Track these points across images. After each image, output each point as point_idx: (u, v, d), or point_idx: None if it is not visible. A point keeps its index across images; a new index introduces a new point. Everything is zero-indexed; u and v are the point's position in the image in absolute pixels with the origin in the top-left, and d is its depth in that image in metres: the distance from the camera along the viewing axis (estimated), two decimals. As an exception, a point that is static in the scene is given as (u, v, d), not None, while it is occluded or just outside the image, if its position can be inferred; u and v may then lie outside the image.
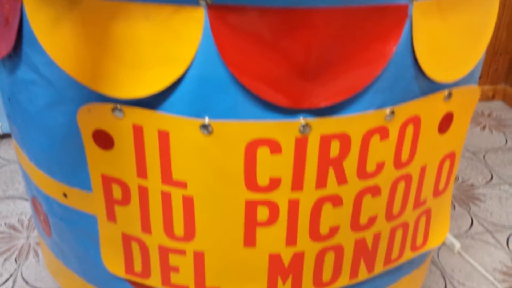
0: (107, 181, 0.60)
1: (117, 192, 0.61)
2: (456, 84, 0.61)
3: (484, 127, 1.76)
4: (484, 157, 1.58)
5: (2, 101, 0.73)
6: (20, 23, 0.56)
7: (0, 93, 0.73)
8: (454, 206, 1.34)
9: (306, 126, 0.53)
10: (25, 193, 1.36)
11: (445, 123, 0.64)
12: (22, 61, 0.59)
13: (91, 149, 0.59)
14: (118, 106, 0.54)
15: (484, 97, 1.96)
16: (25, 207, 1.30)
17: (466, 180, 1.46)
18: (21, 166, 0.78)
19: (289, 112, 0.53)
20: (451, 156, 0.69)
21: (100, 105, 0.55)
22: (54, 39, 0.54)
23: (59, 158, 0.63)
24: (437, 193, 0.71)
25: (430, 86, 0.58)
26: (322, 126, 0.54)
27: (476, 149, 1.63)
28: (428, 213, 0.72)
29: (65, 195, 0.66)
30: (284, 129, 0.53)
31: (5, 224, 1.24)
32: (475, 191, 1.41)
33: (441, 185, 0.71)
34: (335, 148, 0.55)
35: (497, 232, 1.26)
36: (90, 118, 0.56)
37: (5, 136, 1.65)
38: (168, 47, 0.49)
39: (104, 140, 0.57)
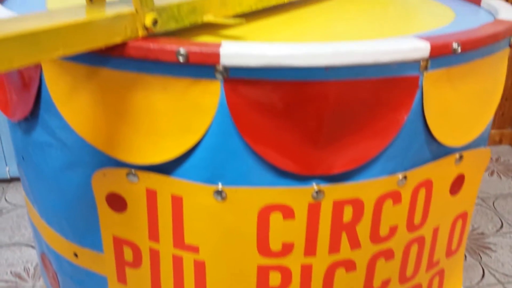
0: (119, 243, 0.60)
1: (128, 254, 0.60)
2: (467, 147, 0.62)
3: (492, 173, 1.75)
4: (493, 203, 1.57)
5: (15, 155, 0.74)
6: (39, 88, 0.57)
7: (14, 149, 0.74)
8: (465, 256, 1.32)
9: (319, 192, 0.53)
10: (31, 240, 1.35)
11: (457, 184, 0.64)
12: (38, 124, 0.60)
13: (104, 211, 0.59)
14: (133, 171, 0.54)
15: (491, 142, 1.96)
16: (31, 255, 1.29)
17: (477, 228, 1.44)
18: (30, 220, 0.78)
19: (302, 178, 0.53)
20: (463, 216, 0.69)
21: (114, 170, 0.55)
22: (72, 105, 0.55)
23: (71, 218, 0.63)
24: (450, 253, 0.70)
25: (441, 150, 0.59)
26: (335, 192, 0.54)
27: (485, 195, 1.61)
28: (441, 273, 0.71)
29: (75, 254, 0.66)
30: (297, 195, 0.53)
31: (10, 272, 1.23)
32: (486, 240, 1.39)
33: (454, 245, 0.70)
34: (348, 213, 0.55)
35: (509, 283, 1.23)
36: (104, 182, 0.57)
37: (12, 180, 1.65)
38: (184, 117, 0.50)
39: (117, 203, 0.58)
